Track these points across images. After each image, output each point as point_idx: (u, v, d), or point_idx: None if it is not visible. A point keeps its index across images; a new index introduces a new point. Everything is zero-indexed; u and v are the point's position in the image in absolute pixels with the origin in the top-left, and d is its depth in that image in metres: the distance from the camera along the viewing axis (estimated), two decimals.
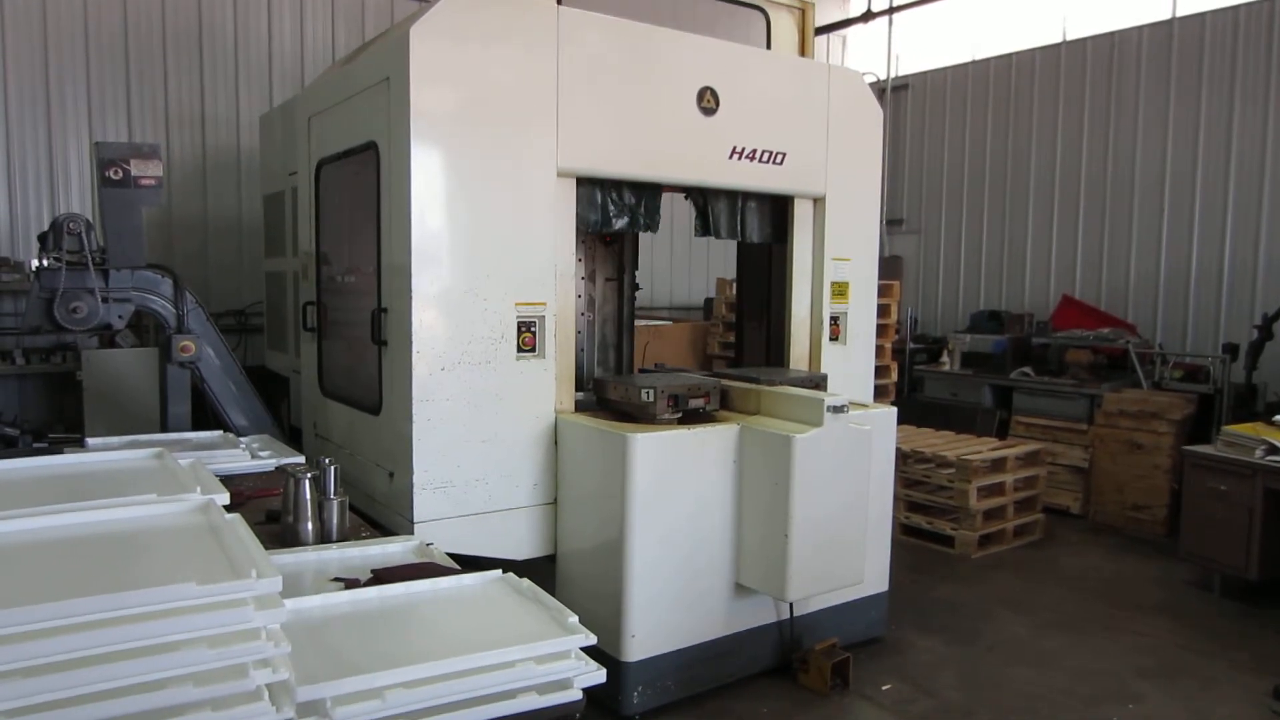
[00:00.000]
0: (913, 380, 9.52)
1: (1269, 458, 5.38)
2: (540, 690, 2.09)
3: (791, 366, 5.13)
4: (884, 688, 4.44)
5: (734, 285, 6.27)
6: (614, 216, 4.50)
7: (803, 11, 5.31)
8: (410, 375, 3.85)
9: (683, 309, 10.32)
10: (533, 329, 4.14)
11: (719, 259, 10.35)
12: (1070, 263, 9.70)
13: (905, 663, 4.73)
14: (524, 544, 4.22)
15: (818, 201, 5.08)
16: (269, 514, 3.33)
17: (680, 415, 4.17)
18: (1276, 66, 8.11)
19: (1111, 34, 9.26)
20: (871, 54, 11.62)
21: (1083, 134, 9.50)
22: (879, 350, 6.34)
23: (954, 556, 6.52)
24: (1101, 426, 7.48)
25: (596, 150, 4.24)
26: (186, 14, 7.42)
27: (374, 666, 1.98)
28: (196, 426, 4.88)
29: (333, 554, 2.93)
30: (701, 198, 4.80)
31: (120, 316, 4.76)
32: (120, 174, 4.58)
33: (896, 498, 6.14)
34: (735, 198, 4.90)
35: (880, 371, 6.95)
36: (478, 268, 3.97)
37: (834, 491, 4.06)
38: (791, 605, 4.36)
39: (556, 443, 4.24)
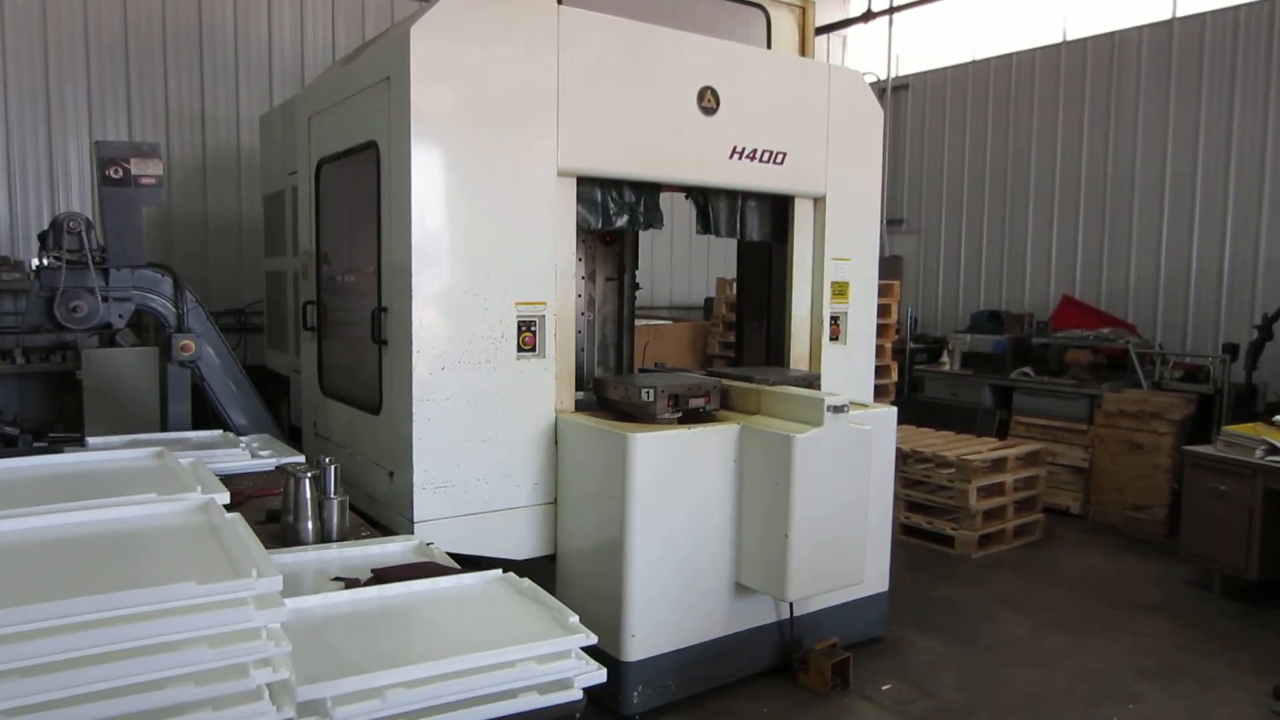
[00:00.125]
0: (913, 380, 9.52)
1: (1269, 458, 5.38)
2: (541, 690, 2.09)
3: (792, 366, 5.13)
4: (884, 688, 4.44)
5: (734, 285, 6.28)
6: (614, 215, 4.49)
7: (803, 10, 5.31)
8: (410, 375, 3.85)
9: (683, 309, 10.32)
10: (533, 328, 4.14)
11: (719, 258, 10.35)
12: (1070, 263, 9.70)
13: (905, 663, 4.73)
14: (524, 544, 4.22)
15: (818, 201, 5.08)
16: (269, 513, 3.33)
17: (680, 415, 4.17)
18: (1276, 66, 8.11)
19: (1111, 34, 9.25)
20: (872, 54, 11.62)
21: (1083, 134, 9.50)
22: (879, 350, 6.34)
23: (954, 556, 6.52)
24: (1101, 426, 7.49)
25: (597, 150, 4.24)
26: (186, 13, 7.42)
27: (374, 666, 1.98)
28: (196, 426, 4.87)
29: (333, 553, 2.93)
30: (702, 197, 4.80)
31: (120, 315, 4.75)
32: (120, 173, 4.58)
33: (896, 498, 6.14)
34: (735, 197, 4.90)
35: (880, 371, 6.95)
36: (478, 267, 3.97)
37: (834, 491, 4.06)
38: (791, 605, 4.36)
39: (556, 442, 4.24)
